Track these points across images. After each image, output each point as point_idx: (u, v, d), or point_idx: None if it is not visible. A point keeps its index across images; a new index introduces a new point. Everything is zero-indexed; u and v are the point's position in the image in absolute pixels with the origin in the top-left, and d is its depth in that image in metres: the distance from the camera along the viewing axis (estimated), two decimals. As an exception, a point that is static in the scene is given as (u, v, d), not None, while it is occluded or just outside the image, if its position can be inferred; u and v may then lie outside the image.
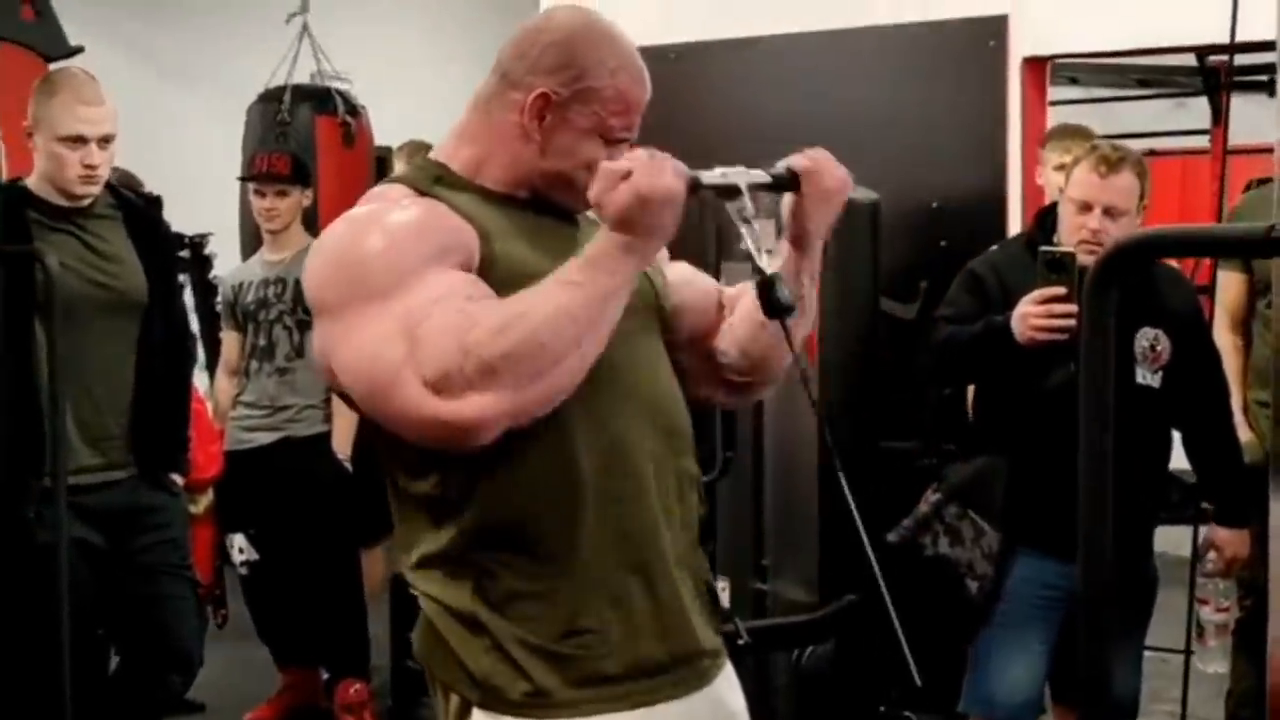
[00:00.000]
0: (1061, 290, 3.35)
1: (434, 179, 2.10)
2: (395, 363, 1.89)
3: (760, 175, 2.12)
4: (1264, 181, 4.83)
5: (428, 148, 5.76)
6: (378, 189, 2.15)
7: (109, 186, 3.83)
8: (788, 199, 2.17)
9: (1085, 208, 3.50)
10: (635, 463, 2.05)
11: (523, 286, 1.95)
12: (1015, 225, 4.67)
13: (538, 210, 2.12)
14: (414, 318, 1.90)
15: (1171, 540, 4.27)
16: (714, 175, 2.06)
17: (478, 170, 2.11)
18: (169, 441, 3.90)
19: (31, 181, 3.76)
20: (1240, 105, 7.43)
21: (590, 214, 2.18)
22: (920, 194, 4.82)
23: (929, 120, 4.85)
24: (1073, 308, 3.26)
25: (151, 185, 5.87)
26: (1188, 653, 4.26)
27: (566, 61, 2.07)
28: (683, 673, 2.10)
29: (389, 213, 2.02)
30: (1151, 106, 9.63)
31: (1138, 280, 3.46)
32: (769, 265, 2.01)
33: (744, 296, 2.28)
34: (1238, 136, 7.13)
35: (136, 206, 3.90)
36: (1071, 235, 3.51)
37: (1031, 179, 4.84)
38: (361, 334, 1.93)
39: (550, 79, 2.06)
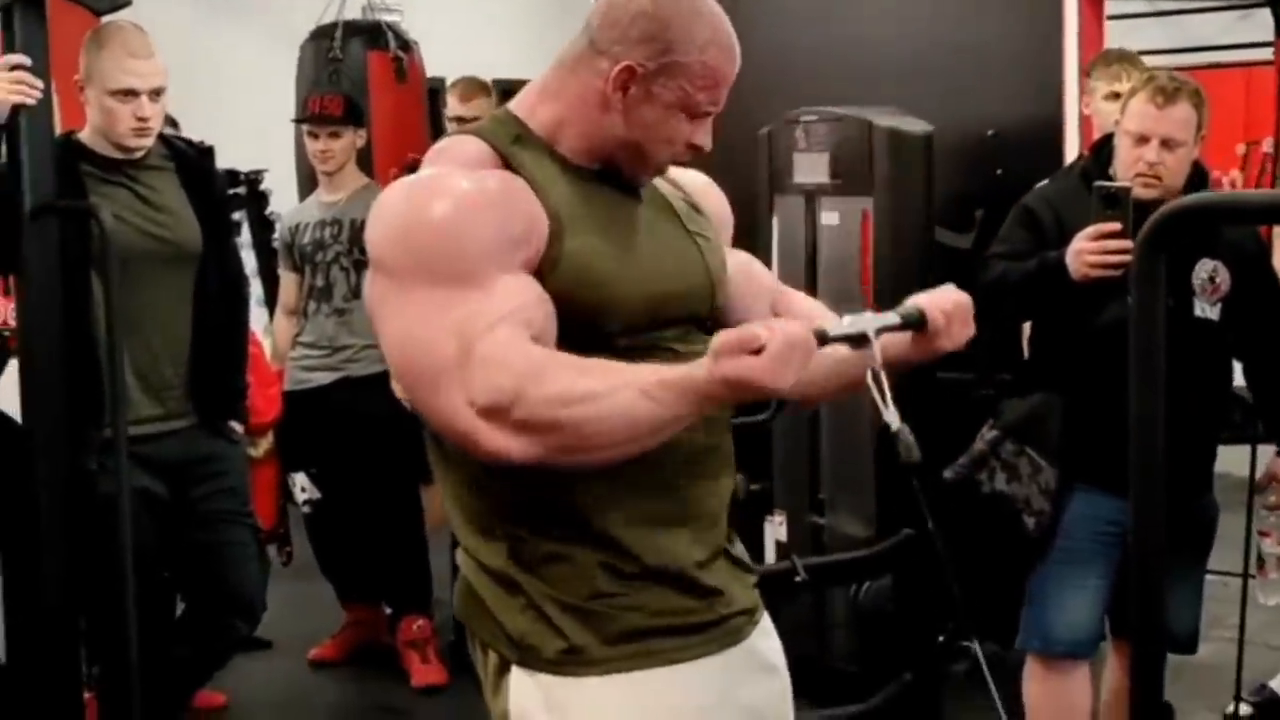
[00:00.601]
0: (1116, 226, 3.30)
1: (513, 138, 2.04)
2: (442, 362, 1.86)
3: (889, 318, 2.06)
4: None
5: (481, 85, 5.75)
6: (451, 141, 2.09)
7: (161, 137, 3.84)
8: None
9: (1142, 140, 3.44)
10: (671, 440, 2.01)
11: (585, 289, 1.95)
12: (1072, 152, 4.59)
13: (605, 182, 2.07)
14: (475, 327, 1.86)
15: (1232, 461, 4.23)
16: (842, 325, 1.98)
17: (555, 133, 2.05)
18: (227, 390, 3.94)
19: (84, 135, 3.77)
20: (1302, 17, 7.27)
21: (655, 182, 2.15)
22: (975, 122, 4.76)
23: (984, 46, 4.78)
24: (1128, 243, 3.20)
25: (208, 126, 5.87)
26: (1246, 576, 4.25)
27: (654, 34, 2.00)
28: (716, 631, 2.10)
29: (461, 180, 1.95)
30: (1215, 18, 9.47)
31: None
32: (894, 419, 1.97)
33: (800, 313, 2.23)
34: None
35: (189, 157, 3.91)
36: (1128, 168, 3.46)
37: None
38: (416, 316, 1.89)
39: (637, 51, 2.00)
